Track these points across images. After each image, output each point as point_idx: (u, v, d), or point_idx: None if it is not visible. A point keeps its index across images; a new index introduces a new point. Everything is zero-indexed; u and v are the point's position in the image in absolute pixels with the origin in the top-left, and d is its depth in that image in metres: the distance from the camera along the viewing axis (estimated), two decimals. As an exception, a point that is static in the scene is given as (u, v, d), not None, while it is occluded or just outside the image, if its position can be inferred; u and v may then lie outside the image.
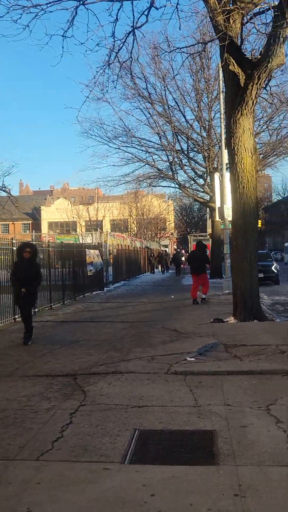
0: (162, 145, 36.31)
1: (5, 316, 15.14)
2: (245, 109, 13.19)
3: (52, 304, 19.10)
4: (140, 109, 36.27)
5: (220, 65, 14.40)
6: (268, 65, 12.63)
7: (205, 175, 37.55)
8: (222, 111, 16.53)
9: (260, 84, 12.98)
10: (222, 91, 20.73)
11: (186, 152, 37.39)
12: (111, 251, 32.87)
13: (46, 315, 16.78)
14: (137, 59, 18.26)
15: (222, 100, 22.66)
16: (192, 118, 36.37)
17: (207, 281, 20.15)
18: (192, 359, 9.31)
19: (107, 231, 32.13)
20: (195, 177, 38.35)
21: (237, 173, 13.47)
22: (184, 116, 36.02)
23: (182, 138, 37.07)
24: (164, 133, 36.29)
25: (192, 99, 35.34)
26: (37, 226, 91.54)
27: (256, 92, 13.07)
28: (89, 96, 20.71)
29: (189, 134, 36.24)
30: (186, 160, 37.77)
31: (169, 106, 35.25)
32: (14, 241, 15.96)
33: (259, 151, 35.05)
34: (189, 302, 20.22)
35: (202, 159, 37.37)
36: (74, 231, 76.62)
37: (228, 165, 16.06)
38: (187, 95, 34.79)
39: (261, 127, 34.78)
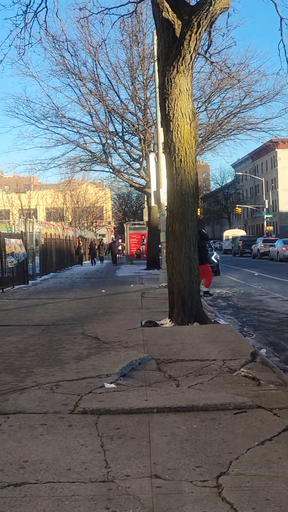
0: (94, 126, 33.63)
1: None
2: (181, 65, 10.72)
3: None
4: (70, 85, 33.47)
5: (152, 14, 11.81)
6: (210, 9, 10.20)
7: (141, 159, 35.15)
8: (157, 74, 14.03)
9: (200, 33, 10.53)
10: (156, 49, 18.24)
11: (120, 134, 34.85)
12: (38, 241, 30.06)
13: None
14: (56, 13, 15.66)
15: (156, 58, 20.16)
16: (127, 98, 33.88)
17: (209, 272, 18.73)
18: (112, 385, 6.81)
19: (32, 219, 29.23)
20: (131, 161, 35.88)
21: (173, 143, 11.01)
22: (118, 96, 33.58)
23: (116, 119, 34.54)
24: (97, 113, 33.70)
25: (127, 77, 32.82)
26: None
27: (195, 44, 10.61)
28: (3, 61, 17.68)
29: (124, 115, 33.70)
30: (121, 143, 35.26)
31: (101, 83, 32.60)
32: None
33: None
34: (120, 298, 17.78)
35: (138, 141, 34.94)
36: (7, 219, 73.00)
37: (164, 144, 13.60)
38: (121, 71, 32.21)
39: (199, 109, 32.55)
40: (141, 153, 34.62)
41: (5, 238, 21.99)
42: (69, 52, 29.93)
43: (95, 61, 31.96)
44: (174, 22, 10.77)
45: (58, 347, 9.45)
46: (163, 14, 10.79)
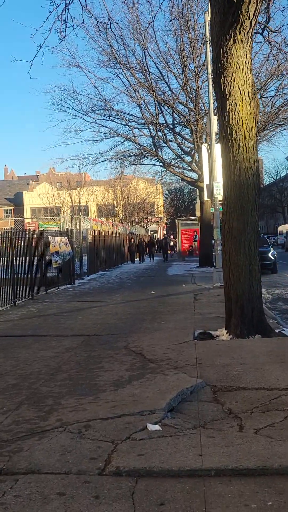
0: (143, 118, 32.14)
1: None
2: (239, 33, 9.11)
3: (-5, 306, 15.08)
4: (118, 76, 32.07)
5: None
6: None
7: (192, 152, 33.46)
8: (209, 54, 12.45)
9: (261, -5, 8.91)
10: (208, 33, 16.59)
11: (171, 126, 33.25)
12: (86, 238, 28.81)
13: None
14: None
15: (207, 32, 18.56)
16: (177, 88, 32.25)
17: None
18: (156, 426, 5.33)
19: (80, 215, 28.01)
20: (182, 154, 34.22)
21: (230, 126, 9.42)
22: (168, 85, 31.89)
23: (166, 110, 32.95)
24: (146, 104, 32.13)
25: (177, 65, 31.16)
26: (19, 212, 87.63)
27: (256, 8, 8.99)
28: (43, 46, 16.33)
29: (174, 105, 32.08)
30: (171, 135, 33.65)
31: (150, 73, 31.06)
32: None
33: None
34: (171, 300, 16.30)
35: (189, 133, 33.28)
36: (58, 217, 72.43)
37: (217, 133, 12.02)
38: (171, 59, 30.59)
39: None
40: (192, 146, 32.96)
41: (49, 236, 20.76)
42: (115, 40, 28.54)
43: (144, 50, 30.46)
44: (230, -17, 9.18)
45: (96, 366, 8.02)
46: (217, -26, 9.22)
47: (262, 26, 15.15)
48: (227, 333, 9.69)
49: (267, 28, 15.48)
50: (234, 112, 9.31)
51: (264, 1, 12.15)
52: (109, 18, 11.65)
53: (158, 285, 22.22)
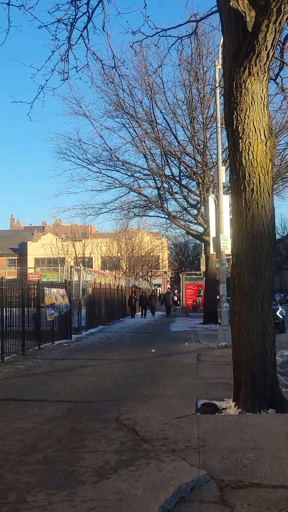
0: (149, 169, 31.35)
1: None
2: (255, 65, 8.11)
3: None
4: (125, 126, 31.46)
5: (218, 7, 9.30)
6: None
7: (198, 205, 32.55)
8: (217, 76, 11.53)
9: (280, 23, 7.92)
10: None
11: (177, 178, 32.45)
12: (85, 291, 27.56)
13: None
14: (103, 26, 13.47)
15: (217, 73, 17.73)
16: (185, 139, 31.58)
17: None
18: None
19: (80, 267, 26.85)
20: (188, 207, 33.30)
21: (242, 168, 8.32)
22: (175, 137, 31.20)
23: (173, 162, 32.21)
24: (152, 155, 31.39)
25: (185, 116, 30.56)
26: (23, 262, 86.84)
27: (274, 38, 8.00)
28: (44, 87, 15.38)
29: (181, 157, 31.34)
30: (178, 188, 32.81)
31: (157, 124, 30.44)
32: None
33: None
34: (172, 361, 14.97)
35: (195, 186, 32.45)
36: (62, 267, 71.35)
37: (227, 184, 10.98)
38: (179, 109, 29.99)
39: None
40: (199, 198, 32.08)
41: (45, 288, 19.56)
42: (122, 89, 28.03)
43: (152, 100, 29.93)
44: (245, 12, 8.26)
45: (78, 445, 6.68)
46: (230, 3, 8.29)
47: (275, 72, 14.28)
48: (235, 405, 8.35)
49: (280, 75, 14.69)
50: (248, 152, 8.22)
51: (279, 45, 11.31)
52: (113, 58, 10.75)
53: (159, 342, 20.87)
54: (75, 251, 70.19)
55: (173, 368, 13.63)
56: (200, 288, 43.46)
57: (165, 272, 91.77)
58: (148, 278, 75.48)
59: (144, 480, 5.35)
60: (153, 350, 17.67)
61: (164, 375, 12.45)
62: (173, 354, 16.73)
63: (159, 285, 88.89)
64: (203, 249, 36.92)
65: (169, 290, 59.29)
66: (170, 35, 16.02)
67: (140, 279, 64.89)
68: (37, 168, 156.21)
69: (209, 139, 30.48)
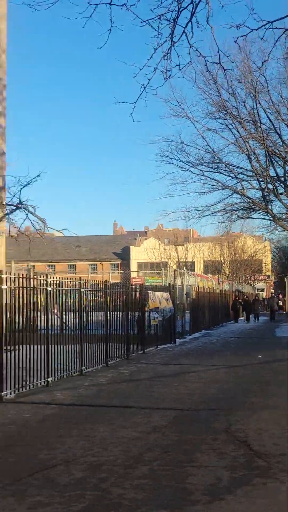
0: (253, 170, 30.51)
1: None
2: None
3: (83, 367, 13.56)
4: (228, 127, 30.79)
5: None
6: None
7: (306, 207, 31.35)
8: None
9: None
10: None
11: (282, 179, 31.40)
12: (189, 294, 27.14)
13: (59, 389, 11.25)
14: (207, 20, 12.98)
15: None
16: (290, 138, 30.49)
17: None
18: None
19: (183, 270, 26.47)
20: (295, 209, 32.10)
21: None
22: (280, 136, 30.16)
23: (277, 163, 31.19)
24: (256, 155, 30.53)
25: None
26: (126, 266, 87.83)
27: None
28: (147, 87, 15.10)
29: (286, 157, 30.29)
30: (283, 189, 31.73)
31: (261, 124, 29.56)
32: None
33: None
34: (280, 367, 14.24)
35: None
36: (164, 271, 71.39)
37: None
38: (284, 107, 28.97)
39: None
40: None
41: (149, 291, 19.33)
42: (225, 89, 27.42)
43: (255, 100, 29.11)
44: None
45: (187, 458, 6.24)
46: None
47: None
48: None
49: None
50: None
51: None
52: (218, 52, 10.23)
53: (264, 348, 20.10)
54: (177, 255, 70.08)
55: (283, 375, 12.92)
56: (306, 292, 41.98)
57: (268, 276, 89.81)
58: (251, 283, 74.11)
59: (262, 503, 4.82)
60: (259, 356, 16.99)
61: (273, 383, 11.81)
62: (281, 361, 15.96)
63: (262, 290, 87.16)
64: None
65: (273, 294, 57.85)
66: (276, 27, 15.33)
67: (243, 283, 63.76)
68: (138, 172, 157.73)
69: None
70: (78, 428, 7.81)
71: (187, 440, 7.03)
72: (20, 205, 14.08)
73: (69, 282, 13.75)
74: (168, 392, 10.75)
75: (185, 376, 13.00)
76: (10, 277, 10.99)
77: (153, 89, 15.78)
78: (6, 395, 10.06)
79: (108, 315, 15.87)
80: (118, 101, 14.41)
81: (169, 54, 14.24)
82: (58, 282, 13.23)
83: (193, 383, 11.97)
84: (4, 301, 10.34)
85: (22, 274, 13.40)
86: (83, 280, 14.03)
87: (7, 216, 14.80)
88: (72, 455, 6.47)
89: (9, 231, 18.25)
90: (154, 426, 7.86)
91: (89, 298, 15.38)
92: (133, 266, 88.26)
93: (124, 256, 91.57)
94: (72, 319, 14.15)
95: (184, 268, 28.35)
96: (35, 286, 11.81)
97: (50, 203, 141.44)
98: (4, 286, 10.22)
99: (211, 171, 31.81)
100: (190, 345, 21.84)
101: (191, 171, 31.88)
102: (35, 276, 12.44)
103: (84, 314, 14.47)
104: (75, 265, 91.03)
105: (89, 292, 14.93)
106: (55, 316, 13.85)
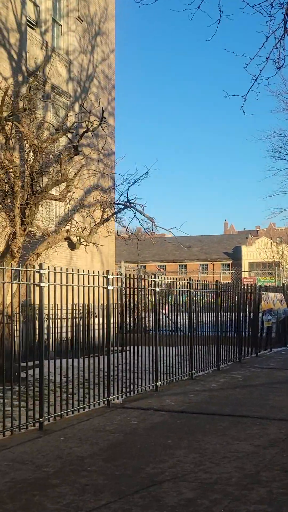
0: None
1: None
2: None
3: (194, 371, 13.02)
4: None
5: None
6: None
7: None
8: None
9: None
10: None
11: None
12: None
13: (168, 394, 10.77)
14: None
15: None
16: None
17: None
18: None
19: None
20: None
21: None
22: None
23: None
24: None
25: None
26: (237, 266, 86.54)
27: None
28: (258, 78, 14.23)
29: None
30: None
31: None
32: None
33: None
34: None
35: None
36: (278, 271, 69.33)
37: None
38: None
39: None
40: None
41: (262, 292, 18.47)
42: None
43: None
44: None
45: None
46: None
47: None
48: None
49: None
50: None
51: None
52: None
53: None
54: (290, 255, 67.96)
55: None
56: None
57: None
58: None
59: None
60: None
61: None
62: None
63: None
64: None
65: None
66: None
67: None
68: (249, 170, 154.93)
69: None
70: (188, 439, 7.27)
71: (310, 459, 6.30)
72: (128, 204, 13.73)
73: (178, 283, 13.25)
74: (285, 401, 10.00)
75: (303, 383, 12.14)
76: (118, 277, 10.64)
77: (265, 80, 14.87)
78: (114, 399, 9.71)
79: (219, 317, 15.25)
80: (228, 94, 13.75)
81: (282, 41, 13.38)
82: (167, 282, 12.76)
83: (313, 391, 11.12)
84: (111, 302, 10.00)
85: (131, 275, 13.06)
86: (193, 280, 13.47)
87: (115, 216, 14.50)
88: (181, 470, 5.93)
89: (117, 231, 18.01)
90: (271, 439, 7.17)
91: (199, 298, 14.84)
92: (245, 266, 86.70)
93: (235, 256, 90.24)
94: (182, 320, 13.66)
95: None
96: (143, 286, 11.40)
97: (159, 204, 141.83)
98: (111, 287, 9.87)
99: None
100: (306, 348, 20.72)
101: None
102: (143, 276, 12.03)
103: (194, 315, 13.94)
104: (186, 265, 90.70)
105: (199, 292, 14.36)
106: (165, 317, 13.42)
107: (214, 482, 5.54)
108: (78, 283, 9.11)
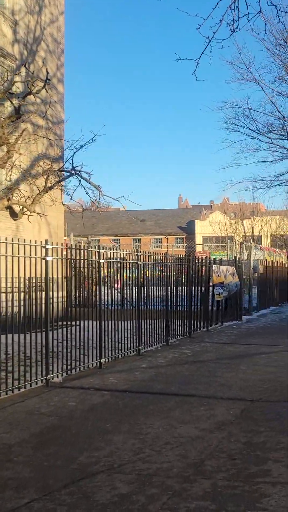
0: None
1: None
2: None
3: (141, 347, 12.45)
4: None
5: None
6: None
7: None
8: None
9: None
10: None
11: None
12: (256, 269, 25.58)
13: (113, 371, 10.17)
14: None
15: None
16: None
17: None
18: None
19: (250, 243, 24.85)
20: None
21: None
22: None
23: None
24: None
25: None
26: (191, 240, 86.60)
27: None
28: (212, 39, 13.49)
29: None
30: None
31: None
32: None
33: None
34: None
35: None
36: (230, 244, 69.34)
37: None
38: None
39: None
40: None
41: (213, 265, 17.98)
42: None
43: None
44: None
45: (259, 471, 4.98)
46: None
47: None
48: None
49: None
50: None
51: None
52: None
53: None
54: (243, 229, 68.23)
55: None
56: None
57: None
58: None
59: None
60: None
61: None
62: None
63: None
64: None
65: None
66: None
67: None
68: (203, 143, 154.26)
69: None
70: (129, 422, 6.67)
71: (259, 444, 5.77)
72: (73, 171, 12.96)
73: (124, 254, 12.57)
74: (235, 378, 9.49)
75: (254, 359, 11.69)
76: (58, 248, 9.91)
77: (219, 42, 14.14)
78: (53, 378, 9.04)
79: (169, 290, 14.71)
80: (180, 57, 13.02)
81: (237, 1, 12.65)
82: (113, 254, 12.08)
83: (264, 366, 10.67)
84: (51, 274, 9.28)
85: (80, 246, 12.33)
86: (141, 252, 12.83)
87: (60, 184, 13.70)
88: (118, 460, 5.33)
89: (62, 201, 17.16)
90: (219, 422, 6.63)
91: (149, 271, 14.26)
92: (198, 240, 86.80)
93: (189, 230, 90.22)
94: (131, 294, 13.05)
95: (251, 241, 26.69)
96: (86, 258, 10.69)
97: (113, 180, 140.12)
98: (49, 258, 9.13)
99: (281, 139, 29.87)
100: (257, 322, 20.42)
101: (259, 139, 30.02)
102: (85, 247, 11.32)
103: (144, 289, 13.36)
104: (140, 239, 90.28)
105: (148, 265, 13.74)
106: (116, 291, 12.78)
107: (153, 473, 4.95)
108: (12, 254, 8.35)
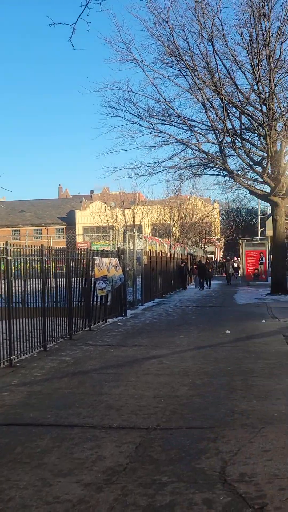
0: (209, 120, 27.53)
1: None
2: None
3: (13, 355, 10.58)
4: (182, 73, 27.64)
5: None
6: None
7: (264, 162, 28.76)
8: None
9: None
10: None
11: (239, 132, 28.55)
12: (140, 259, 24.30)
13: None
14: None
15: None
16: (247, 88, 27.65)
17: None
18: None
19: (133, 233, 23.45)
20: (252, 164, 29.42)
21: None
22: (236, 85, 27.10)
23: (234, 115, 28.24)
24: (212, 105, 27.58)
25: (248, 59, 26.65)
26: (71, 231, 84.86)
27: None
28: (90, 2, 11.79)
29: (244, 107, 27.44)
30: (239, 143, 28.95)
31: (218, 70, 26.50)
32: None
33: None
34: (257, 347, 11.73)
35: (262, 140, 28.57)
36: (111, 234, 68.16)
37: None
38: (241, 51, 26.10)
39: None
40: (265, 154, 28.24)
41: (95, 258, 16.34)
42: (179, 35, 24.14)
43: (210, 44, 25.97)
44: None
45: None
46: None
47: None
48: None
49: None
50: None
51: None
52: None
53: (230, 319, 17.58)
54: (124, 219, 67.19)
55: (264, 360, 10.38)
56: (261, 254, 39.91)
57: (218, 239, 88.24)
58: (202, 246, 72.05)
59: None
60: (227, 331, 14.42)
61: (257, 372, 9.23)
62: (254, 337, 13.50)
63: (211, 253, 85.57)
64: (271, 211, 32.70)
65: (228, 257, 55.86)
66: None
67: (194, 246, 61.54)
68: (83, 130, 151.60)
69: (276, 85, 26.57)
70: (-12, 476, 4.91)
71: (165, 508, 4.22)
72: None
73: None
74: (125, 395, 7.92)
75: (144, 365, 10.20)
76: None
77: (97, 4, 12.41)
78: None
79: (47, 286, 12.96)
80: (54, 22, 11.19)
81: None
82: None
83: (156, 376, 9.19)
84: None
85: None
86: (10, 245, 10.93)
87: None
88: None
89: None
90: (108, 470, 5.02)
91: (21, 265, 12.45)
92: (79, 231, 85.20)
93: (69, 221, 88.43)
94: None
95: (134, 231, 25.33)
96: None
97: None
98: None
99: (162, 123, 28.72)
100: (143, 317, 19.06)
101: (140, 124, 28.70)
102: None
103: (18, 284, 11.54)
104: (19, 230, 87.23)
105: (20, 259, 11.88)
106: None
107: None
108: None
